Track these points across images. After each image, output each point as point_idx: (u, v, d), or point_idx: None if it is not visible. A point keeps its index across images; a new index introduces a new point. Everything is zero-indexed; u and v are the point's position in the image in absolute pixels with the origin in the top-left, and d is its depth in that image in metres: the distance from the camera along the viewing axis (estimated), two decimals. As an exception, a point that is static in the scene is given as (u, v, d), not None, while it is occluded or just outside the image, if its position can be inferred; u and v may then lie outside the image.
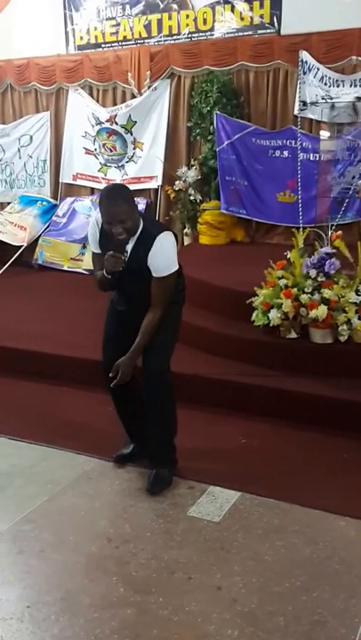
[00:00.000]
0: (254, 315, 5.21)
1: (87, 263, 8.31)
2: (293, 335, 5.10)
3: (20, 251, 8.72)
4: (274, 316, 5.04)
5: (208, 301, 5.74)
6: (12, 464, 4.23)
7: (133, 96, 8.60)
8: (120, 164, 8.86)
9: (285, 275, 5.19)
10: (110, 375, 3.77)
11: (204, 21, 8.08)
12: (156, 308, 3.73)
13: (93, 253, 3.95)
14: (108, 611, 2.90)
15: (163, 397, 3.87)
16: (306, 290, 5.03)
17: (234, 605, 2.92)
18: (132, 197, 3.63)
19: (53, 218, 9.10)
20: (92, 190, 9.13)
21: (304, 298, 4.99)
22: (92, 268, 4.12)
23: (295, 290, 5.05)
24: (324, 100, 6.74)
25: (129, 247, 3.65)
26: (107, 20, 8.76)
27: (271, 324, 5.08)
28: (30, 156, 9.57)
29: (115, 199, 3.55)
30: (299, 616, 2.85)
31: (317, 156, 7.23)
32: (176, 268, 3.73)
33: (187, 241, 8.32)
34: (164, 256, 3.67)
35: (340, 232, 5.42)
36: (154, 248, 3.62)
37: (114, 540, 3.42)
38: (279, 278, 5.18)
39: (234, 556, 3.28)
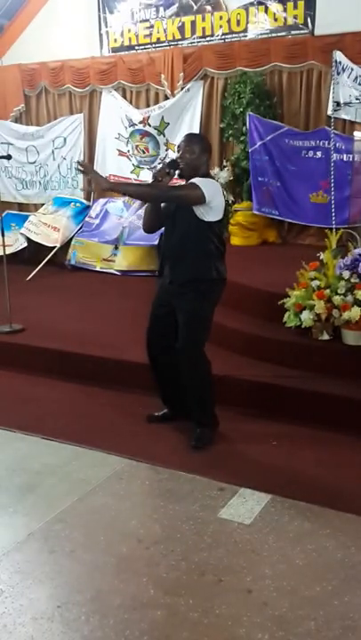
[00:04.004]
0: (286, 316, 5.19)
1: (119, 264, 8.36)
2: (326, 337, 5.06)
3: (54, 252, 8.80)
4: (306, 317, 5.01)
5: (240, 302, 5.72)
6: (43, 463, 4.25)
7: (166, 97, 8.63)
8: (153, 166, 8.88)
9: (318, 276, 5.16)
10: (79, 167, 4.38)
11: (238, 22, 8.08)
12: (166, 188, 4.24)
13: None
14: (139, 612, 2.89)
15: (193, 371, 4.27)
16: (339, 291, 4.99)
17: (264, 609, 2.90)
18: (206, 147, 4.33)
19: (86, 219, 9.16)
20: (125, 191, 9.17)
21: (337, 299, 4.95)
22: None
23: (328, 291, 5.01)
24: (358, 101, 6.69)
25: None
26: (140, 22, 8.80)
27: (303, 326, 5.05)
28: (64, 158, 9.65)
29: (192, 138, 4.41)
30: (330, 620, 2.82)
31: (351, 156, 7.17)
32: (205, 192, 4.06)
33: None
34: (201, 180, 4.13)
35: (374, 233, 5.39)
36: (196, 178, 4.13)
37: (144, 541, 3.41)
38: (312, 279, 5.15)
39: (265, 558, 3.25)
